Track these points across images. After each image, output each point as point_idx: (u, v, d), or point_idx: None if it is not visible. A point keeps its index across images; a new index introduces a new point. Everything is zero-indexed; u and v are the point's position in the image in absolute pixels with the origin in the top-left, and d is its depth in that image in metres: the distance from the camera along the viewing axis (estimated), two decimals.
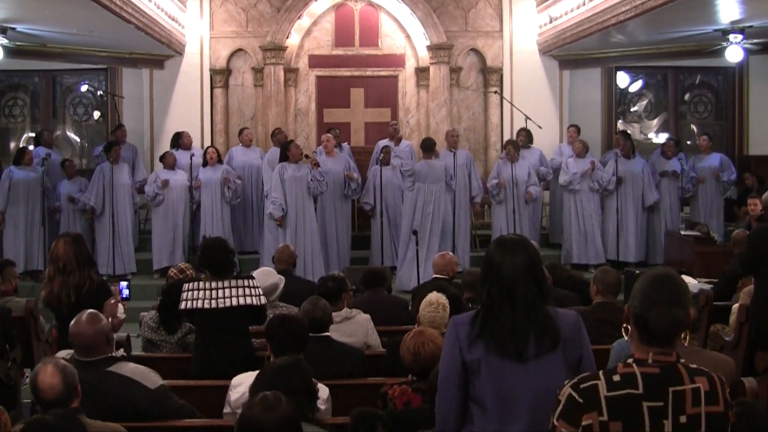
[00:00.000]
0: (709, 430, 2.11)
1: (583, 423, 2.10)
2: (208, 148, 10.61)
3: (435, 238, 9.53)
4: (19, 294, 6.40)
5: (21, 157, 10.09)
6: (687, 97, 12.84)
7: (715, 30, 9.86)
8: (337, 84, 12.01)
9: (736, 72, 12.28)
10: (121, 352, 3.71)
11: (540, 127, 10.98)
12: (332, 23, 11.99)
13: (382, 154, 10.09)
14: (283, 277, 5.73)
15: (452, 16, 11.92)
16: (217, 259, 4.79)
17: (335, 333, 4.67)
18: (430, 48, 11.64)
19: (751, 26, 9.62)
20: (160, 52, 11.35)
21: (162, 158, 10.30)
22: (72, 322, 3.55)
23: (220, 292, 4.69)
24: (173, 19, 10.73)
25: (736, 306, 5.31)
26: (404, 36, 12.00)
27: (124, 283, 4.94)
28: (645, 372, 2.13)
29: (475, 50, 12.04)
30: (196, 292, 4.71)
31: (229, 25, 11.86)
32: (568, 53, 11.67)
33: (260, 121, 11.76)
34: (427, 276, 7.52)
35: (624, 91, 12.77)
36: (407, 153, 10.52)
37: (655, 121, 12.89)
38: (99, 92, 12.21)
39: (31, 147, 11.06)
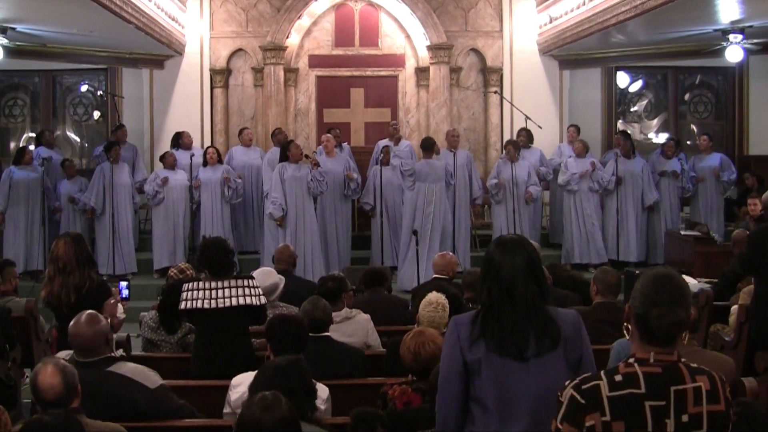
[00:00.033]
0: (711, 429, 2.12)
1: (587, 424, 2.09)
2: (208, 148, 10.61)
3: (436, 238, 9.53)
4: (19, 294, 6.40)
5: (21, 156, 10.09)
6: (687, 97, 12.84)
7: (715, 30, 9.86)
8: (337, 84, 12.01)
9: (736, 72, 12.28)
10: (120, 352, 3.71)
11: (540, 127, 10.98)
12: (332, 23, 11.99)
13: (381, 154, 10.10)
14: (283, 277, 5.73)
15: (452, 16, 11.92)
16: (217, 259, 4.79)
17: (335, 333, 4.67)
18: (430, 48, 11.63)
19: (751, 26, 9.62)
20: (160, 52, 11.35)
21: (162, 158, 10.30)
22: (71, 323, 3.54)
23: (220, 292, 4.69)
24: (173, 19, 10.73)
25: (735, 307, 5.31)
26: (404, 36, 12.00)
27: (123, 283, 4.95)
28: (647, 371, 2.13)
29: (475, 50, 12.04)
30: (195, 292, 4.71)
31: (229, 25, 11.86)
32: (568, 53, 11.67)
33: (260, 121, 11.76)
34: (428, 276, 7.52)
35: (624, 91, 12.77)
36: (407, 153, 10.53)
37: (655, 121, 12.89)
38: (99, 92, 12.21)
39: (31, 147, 11.08)
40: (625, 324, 2.27)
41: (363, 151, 11.35)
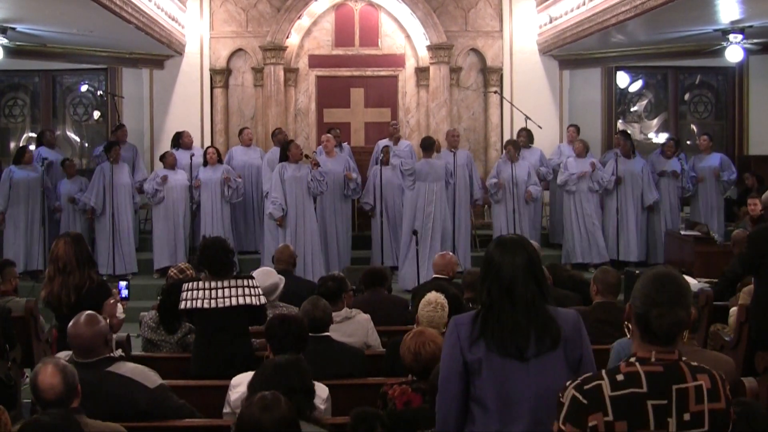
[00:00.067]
0: (712, 427, 2.12)
1: (589, 424, 2.09)
2: (208, 148, 10.61)
3: (437, 237, 9.54)
4: (19, 294, 6.40)
5: (21, 156, 10.10)
6: (687, 97, 12.84)
7: (715, 30, 9.86)
8: (337, 84, 12.01)
9: (736, 72, 12.28)
10: (119, 352, 3.71)
11: (540, 127, 10.99)
12: (332, 23, 11.99)
13: (382, 154, 10.10)
14: (283, 277, 5.73)
15: (452, 16, 11.92)
16: (217, 259, 4.78)
17: (335, 333, 4.67)
18: (430, 48, 11.64)
19: (751, 26, 9.62)
20: (160, 52, 11.35)
21: (162, 158, 10.30)
22: (70, 323, 3.54)
23: (220, 291, 4.69)
24: (173, 19, 10.73)
25: (734, 309, 5.31)
26: (404, 36, 12.00)
27: (123, 283, 4.95)
28: (648, 370, 2.13)
29: (475, 50, 12.04)
30: (195, 292, 4.71)
31: (229, 25, 11.86)
32: (568, 53, 11.67)
33: (260, 121, 11.76)
34: (428, 275, 7.52)
35: (624, 91, 12.77)
36: (407, 152, 10.52)
37: (655, 121, 12.89)
38: (99, 92, 12.21)
39: (32, 147, 11.08)
40: (625, 323, 2.27)
41: (363, 151, 11.34)
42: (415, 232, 9.00)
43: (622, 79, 12.67)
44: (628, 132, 11.41)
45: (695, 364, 2.20)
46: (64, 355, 3.68)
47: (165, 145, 11.08)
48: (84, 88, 12.43)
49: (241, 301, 4.68)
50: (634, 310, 2.20)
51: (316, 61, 12.00)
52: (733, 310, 5.31)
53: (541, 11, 11.54)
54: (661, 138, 12.30)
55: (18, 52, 10.26)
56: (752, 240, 5.27)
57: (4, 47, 9.52)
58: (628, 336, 2.30)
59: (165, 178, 9.94)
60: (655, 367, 2.13)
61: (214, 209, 10.09)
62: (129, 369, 3.55)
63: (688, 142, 12.61)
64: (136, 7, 8.84)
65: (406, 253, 9.53)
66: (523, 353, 2.58)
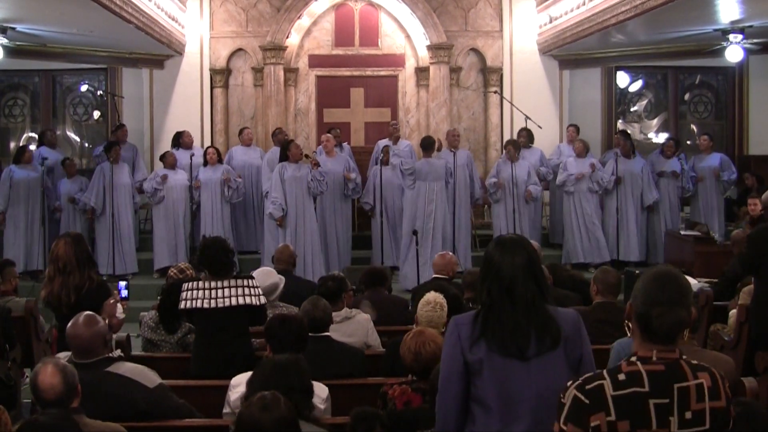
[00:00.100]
0: (714, 425, 2.12)
1: (591, 424, 2.09)
2: (208, 148, 10.61)
3: (438, 236, 9.54)
4: (19, 294, 6.41)
5: (21, 155, 10.10)
6: (687, 97, 12.84)
7: (715, 30, 9.85)
8: (337, 84, 12.01)
9: (736, 72, 12.27)
10: (118, 352, 3.71)
11: (540, 127, 10.98)
12: (332, 23, 11.99)
13: (382, 154, 10.10)
14: (283, 277, 5.73)
15: (452, 16, 11.92)
16: (217, 259, 4.78)
17: (335, 333, 4.67)
18: (430, 48, 11.63)
19: (751, 26, 9.62)
20: (160, 52, 11.35)
21: (162, 158, 10.30)
22: (69, 324, 3.54)
23: (220, 291, 4.69)
24: (173, 19, 10.73)
25: (733, 312, 5.31)
26: (404, 36, 12.00)
27: (122, 284, 4.95)
28: (650, 370, 2.13)
29: (475, 50, 12.04)
30: (195, 292, 4.71)
31: (229, 25, 11.86)
32: (568, 53, 11.67)
33: (260, 121, 11.76)
34: (429, 275, 7.52)
35: (624, 91, 12.77)
36: (407, 152, 10.52)
37: (655, 121, 12.88)
38: (99, 92, 12.21)
39: (32, 147, 11.09)
40: (626, 322, 2.27)
41: (363, 151, 11.34)
42: (415, 232, 9.00)
43: (622, 79, 12.67)
44: (628, 132, 11.41)
45: (695, 362, 2.20)
46: (63, 356, 3.68)
47: (165, 145, 11.08)
48: (84, 88, 12.43)
49: (241, 301, 4.68)
50: (635, 309, 2.20)
51: (316, 61, 12.00)
52: (733, 312, 5.31)
53: (541, 11, 11.55)
54: (661, 138, 12.30)
55: (18, 52, 10.26)
56: (752, 240, 5.27)
57: (4, 47, 9.51)
58: (629, 335, 2.30)
59: (165, 178, 9.94)
60: (657, 366, 2.13)
61: (214, 209, 10.09)
62: (128, 369, 3.55)
63: (688, 142, 12.61)
64: (136, 7, 8.83)
65: (406, 252, 9.53)
66: (524, 353, 2.58)
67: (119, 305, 4.62)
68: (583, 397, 2.12)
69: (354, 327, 5.10)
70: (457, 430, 2.66)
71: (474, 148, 11.91)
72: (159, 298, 5.42)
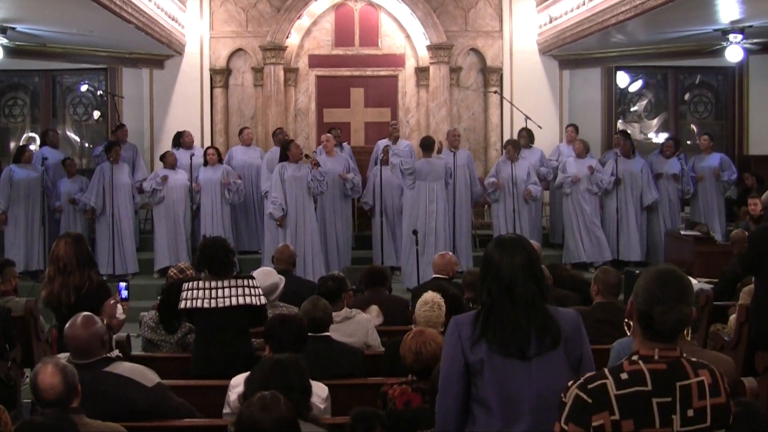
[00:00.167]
0: (715, 422, 2.13)
1: (594, 424, 2.09)
2: (208, 148, 10.61)
3: (441, 235, 9.54)
4: (19, 294, 6.41)
5: (21, 154, 10.10)
6: (687, 97, 12.84)
7: (715, 30, 9.86)
8: (337, 84, 12.01)
9: (736, 72, 12.28)
10: (116, 352, 3.71)
11: (540, 127, 10.98)
12: (332, 23, 11.99)
13: (382, 154, 10.10)
14: (283, 277, 5.72)
15: (452, 16, 11.92)
16: (217, 259, 4.78)
17: (335, 333, 4.67)
18: (430, 48, 11.63)
19: (751, 26, 9.62)
20: (160, 52, 11.35)
21: (162, 158, 10.30)
22: (67, 325, 3.54)
23: (220, 291, 4.69)
24: (173, 19, 10.73)
25: (733, 317, 5.31)
26: (404, 36, 12.00)
27: (122, 284, 4.94)
28: (652, 368, 2.13)
29: (475, 50, 12.04)
30: (195, 292, 4.71)
31: (229, 25, 11.86)
32: (568, 53, 11.67)
33: (260, 121, 11.76)
34: (430, 275, 7.52)
35: (624, 91, 12.77)
36: (407, 152, 10.52)
37: (655, 121, 12.89)
38: (99, 92, 12.21)
39: (32, 147, 11.09)
40: (625, 321, 2.27)
41: (363, 151, 11.35)
42: (415, 232, 9.00)
43: (622, 79, 12.68)
44: (628, 132, 11.41)
45: (695, 360, 2.21)
46: (64, 356, 3.68)
47: (165, 145, 11.08)
48: (84, 88, 12.43)
49: (241, 301, 4.68)
50: (637, 307, 2.19)
51: (316, 61, 12.00)
52: (733, 318, 5.31)
53: (541, 11, 11.54)
54: (661, 138, 12.29)
55: (18, 52, 10.26)
56: (752, 240, 5.28)
57: (4, 47, 9.51)
58: (628, 334, 2.30)
59: (165, 178, 9.94)
60: (659, 365, 2.14)
61: (214, 209, 10.09)
62: (126, 368, 3.55)
63: (688, 142, 12.61)
64: (136, 7, 8.84)
65: (407, 252, 9.53)
66: (525, 353, 2.58)
67: (119, 306, 4.62)
68: (585, 397, 2.12)
69: (354, 327, 5.10)
70: (458, 431, 2.66)
71: (474, 148, 11.91)
72: (159, 298, 5.42)
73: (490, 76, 11.97)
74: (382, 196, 9.92)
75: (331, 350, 4.46)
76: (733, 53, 10.06)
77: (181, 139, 10.78)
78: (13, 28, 9.33)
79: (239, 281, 4.74)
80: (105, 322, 3.76)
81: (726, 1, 8.44)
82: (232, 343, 4.69)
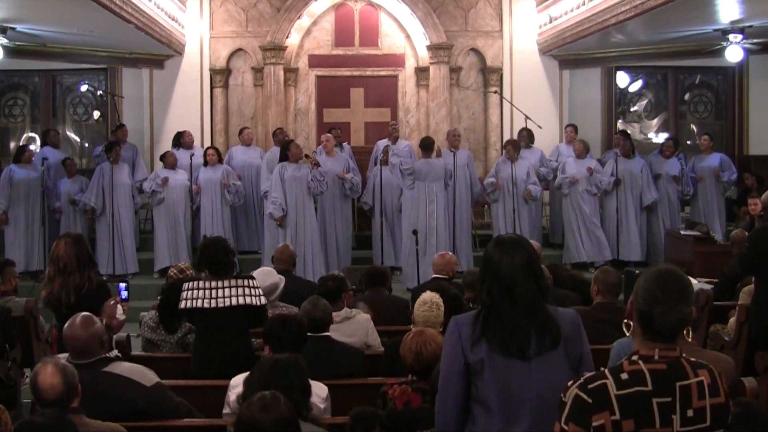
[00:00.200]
0: (714, 421, 2.13)
1: (595, 424, 2.09)
2: (208, 148, 10.61)
3: (442, 235, 9.54)
4: (19, 294, 6.40)
5: (21, 154, 10.10)
6: (687, 97, 12.84)
7: (715, 30, 9.86)
8: (337, 84, 12.01)
9: (736, 72, 12.28)
10: (115, 352, 3.71)
11: (540, 127, 10.99)
12: (332, 23, 11.99)
13: (382, 154, 10.10)
14: (283, 277, 5.72)
15: (452, 16, 11.92)
16: (217, 259, 4.78)
17: (335, 333, 4.67)
18: (430, 48, 11.63)
19: (751, 26, 9.62)
20: (160, 52, 11.35)
21: (162, 158, 10.30)
22: (65, 325, 3.54)
23: (220, 291, 4.69)
24: (173, 19, 10.73)
25: (732, 320, 5.31)
26: (404, 36, 12.00)
27: (122, 285, 4.95)
28: (652, 368, 2.13)
29: (475, 50, 12.04)
30: (195, 292, 4.71)
31: (228, 25, 11.86)
32: (568, 53, 11.67)
33: (260, 121, 11.76)
34: (430, 275, 7.52)
35: (624, 91, 12.77)
36: (407, 152, 10.52)
37: (655, 121, 12.89)
38: (99, 92, 12.21)
39: (32, 147, 11.09)
40: (625, 320, 2.27)
41: (363, 151, 11.35)
42: (414, 232, 9.00)
43: (622, 79, 12.68)
44: (628, 132, 11.41)
45: (694, 360, 2.21)
46: (64, 356, 3.68)
47: (165, 145, 11.08)
48: (84, 88, 12.43)
49: (241, 301, 4.68)
50: (637, 307, 2.19)
51: (316, 61, 12.00)
52: (732, 321, 5.31)
53: (541, 11, 11.55)
54: (661, 138, 12.29)
55: (18, 52, 10.26)
56: (752, 240, 5.27)
57: (4, 47, 9.51)
58: (628, 334, 2.30)
59: (166, 180, 9.93)
60: (659, 365, 2.14)
61: (214, 209, 10.09)
62: (125, 368, 3.55)
63: (688, 142, 12.62)
64: (136, 7, 8.84)
65: (407, 252, 9.52)
66: (525, 352, 2.58)
67: (119, 306, 4.62)
68: (585, 397, 2.12)
69: (354, 327, 5.10)
70: (458, 431, 2.66)
71: (474, 148, 11.91)
72: (159, 298, 5.42)
73: (490, 76, 11.97)
74: (381, 196, 9.92)
75: (331, 350, 4.46)
76: (733, 53, 10.06)
77: (181, 139, 10.78)
78: (13, 28, 9.34)
79: (239, 281, 4.74)
80: (105, 322, 3.77)
81: (726, 1, 8.44)
82: (232, 343, 4.69)
